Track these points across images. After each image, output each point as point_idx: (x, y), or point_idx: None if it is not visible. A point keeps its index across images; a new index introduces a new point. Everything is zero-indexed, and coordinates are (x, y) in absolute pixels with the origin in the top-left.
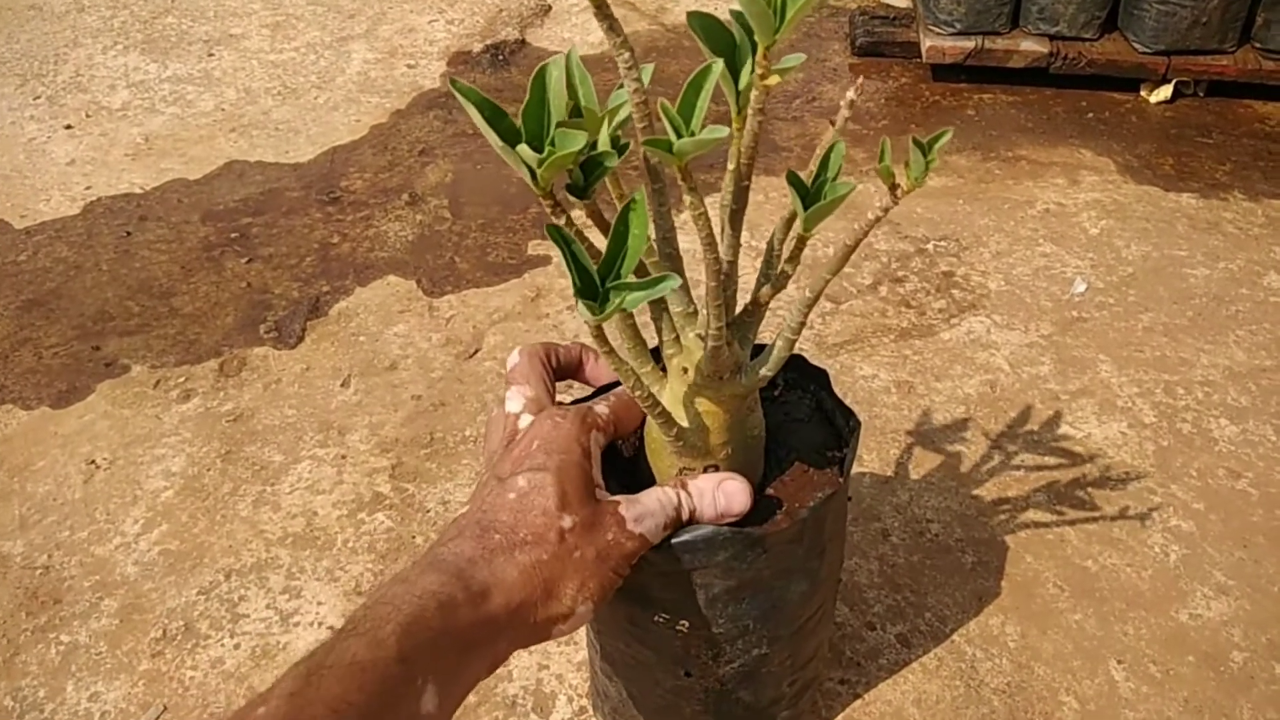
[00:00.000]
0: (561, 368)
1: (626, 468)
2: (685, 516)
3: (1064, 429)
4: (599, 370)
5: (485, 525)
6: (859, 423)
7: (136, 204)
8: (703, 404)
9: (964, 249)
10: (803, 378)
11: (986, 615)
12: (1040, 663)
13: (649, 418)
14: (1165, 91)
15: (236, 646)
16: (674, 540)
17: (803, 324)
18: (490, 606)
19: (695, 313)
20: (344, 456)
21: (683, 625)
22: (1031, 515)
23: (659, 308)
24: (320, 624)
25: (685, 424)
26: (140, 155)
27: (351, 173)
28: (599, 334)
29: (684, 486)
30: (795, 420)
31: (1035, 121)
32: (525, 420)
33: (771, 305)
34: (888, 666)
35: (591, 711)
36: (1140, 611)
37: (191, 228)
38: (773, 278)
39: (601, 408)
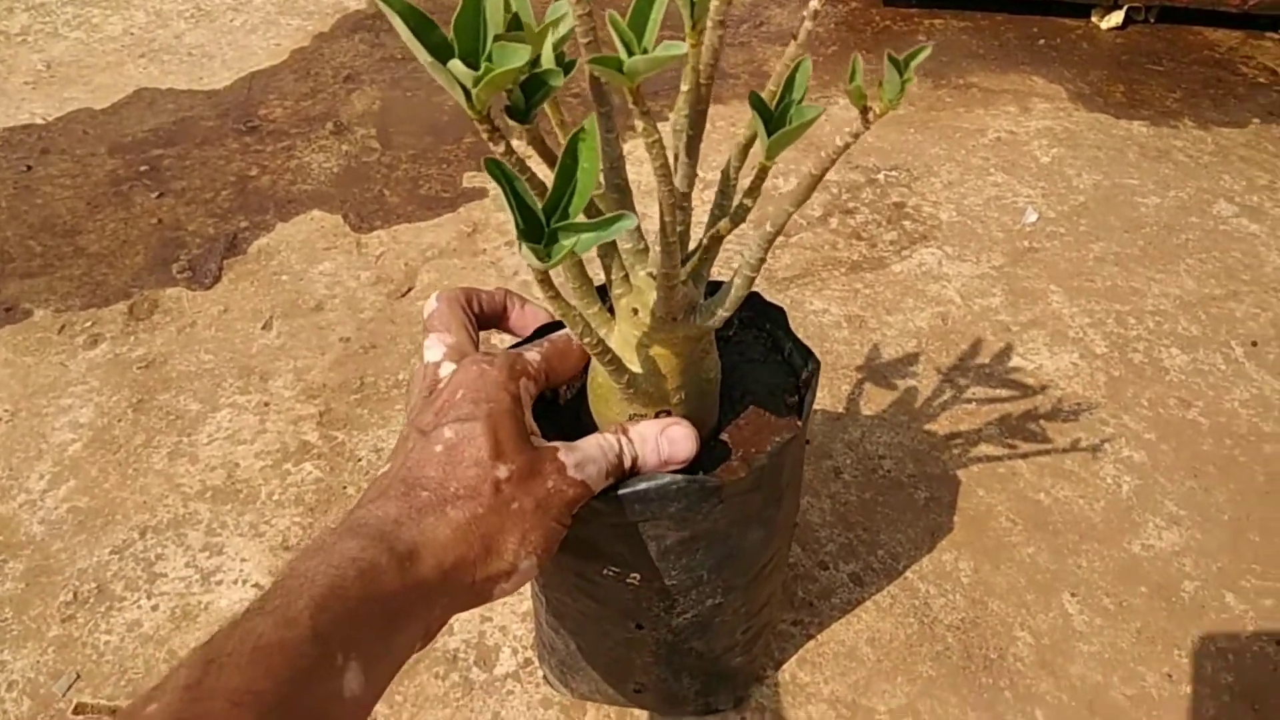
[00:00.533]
0: (484, 315)
1: (563, 415)
2: (628, 464)
3: (1015, 361)
4: (525, 318)
5: (411, 482)
6: (819, 364)
7: (38, 136)
8: (655, 347)
9: (915, 179)
10: (758, 316)
11: (939, 551)
12: (994, 597)
13: (594, 363)
14: (1116, 18)
15: (155, 608)
16: (624, 491)
17: (762, 260)
18: (420, 570)
19: (646, 249)
20: (267, 404)
21: (634, 578)
22: (983, 449)
23: (607, 245)
24: (244, 581)
25: (637, 369)
26: (41, 83)
27: (271, 100)
28: (545, 279)
29: (625, 433)
30: (750, 361)
31: (986, 48)
32: (447, 369)
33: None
34: (841, 606)
35: (538, 664)
36: (1093, 544)
37: (98, 160)
38: (730, 211)
39: (533, 354)
